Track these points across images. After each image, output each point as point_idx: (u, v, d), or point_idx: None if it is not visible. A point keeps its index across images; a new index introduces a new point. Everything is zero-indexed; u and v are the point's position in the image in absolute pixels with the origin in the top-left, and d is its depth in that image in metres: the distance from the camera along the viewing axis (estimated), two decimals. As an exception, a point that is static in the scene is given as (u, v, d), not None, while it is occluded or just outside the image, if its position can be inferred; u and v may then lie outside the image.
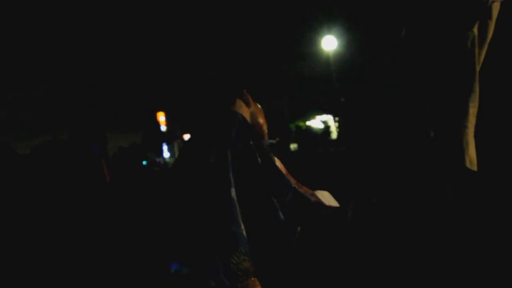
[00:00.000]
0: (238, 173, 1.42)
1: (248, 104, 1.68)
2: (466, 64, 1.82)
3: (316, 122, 29.73)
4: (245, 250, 1.35)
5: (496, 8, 1.85)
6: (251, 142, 1.50)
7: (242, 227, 1.37)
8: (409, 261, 1.61)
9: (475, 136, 1.89)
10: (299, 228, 1.49)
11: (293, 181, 1.63)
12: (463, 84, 1.82)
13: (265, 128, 1.73)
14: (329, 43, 18.28)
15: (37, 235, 2.77)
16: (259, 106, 1.76)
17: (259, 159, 1.49)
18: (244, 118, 1.59)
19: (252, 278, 1.34)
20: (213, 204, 1.38)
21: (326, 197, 1.67)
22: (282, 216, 1.44)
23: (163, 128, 26.16)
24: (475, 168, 1.83)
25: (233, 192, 1.38)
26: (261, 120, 1.73)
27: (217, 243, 1.35)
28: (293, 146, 25.95)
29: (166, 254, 1.53)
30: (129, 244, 2.69)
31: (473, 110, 1.85)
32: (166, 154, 25.83)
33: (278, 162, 1.63)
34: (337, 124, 22.76)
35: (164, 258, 1.52)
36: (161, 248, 1.57)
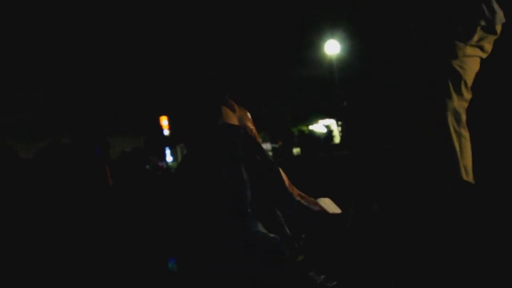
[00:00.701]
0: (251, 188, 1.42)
1: (233, 110, 1.68)
2: (447, 69, 1.86)
3: (319, 127, 29.74)
4: (286, 247, 1.35)
5: (499, 28, 1.89)
6: (258, 157, 1.49)
7: (270, 234, 1.38)
8: (411, 263, 1.60)
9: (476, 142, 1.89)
10: (303, 236, 1.48)
11: (295, 193, 1.63)
12: (443, 89, 1.86)
13: (255, 131, 1.73)
14: (332, 48, 18.33)
15: (42, 236, 2.77)
16: (245, 110, 1.76)
17: (267, 173, 1.48)
18: (246, 132, 1.58)
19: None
20: (234, 223, 1.37)
21: (328, 205, 1.68)
22: (288, 231, 1.44)
23: (166, 132, 26.20)
24: (470, 178, 1.84)
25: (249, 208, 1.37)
26: (250, 123, 1.72)
27: (260, 260, 1.34)
28: (296, 150, 25.95)
29: (167, 254, 1.53)
30: (132, 245, 2.69)
31: (462, 114, 1.86)
32: (169, 158, 25.86)
33: (282, 174, 1.62)
34: (340, 128, 22.75)
35: (164, 258, 1.52)
36: (162, 249, 1.57)
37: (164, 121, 26.11)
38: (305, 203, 1.64)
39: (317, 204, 1.65)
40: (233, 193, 1.38)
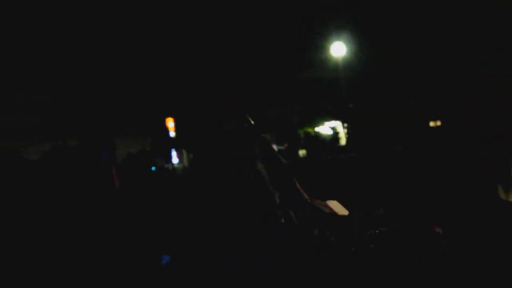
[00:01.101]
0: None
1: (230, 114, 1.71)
2: None
3: (325, 129, 29.71)
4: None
5: None
6: (271, 157, 1.54)
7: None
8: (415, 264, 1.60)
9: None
10: (315, 232, 1.52)
11: (305, 196, 1.67)
12: None
13: None
14: (338, 50, 18.32)
15: (46, 238, 2.78)
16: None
17: (280, 173, 1.53)
18: (260, 134, 1.63)
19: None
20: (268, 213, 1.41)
21: (337, 207, 1.71)
22: (299, 228, 1.48)
23: (172, 134, 26.26)
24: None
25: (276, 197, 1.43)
26: None
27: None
28: (302, 152, 25.94)
29: (165, 252, 1.55)
30: (136, 245, 2.70)
31: None
32: (175, 160, 25.91)
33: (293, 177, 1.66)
34: (346, 130, 22.72)
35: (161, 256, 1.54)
36: (162, 248, 1.57)
37: (170, 123, 26.17)
38: (316, 205, 1.68)
39: (327, 206, 1.70)
40: (256, 190, 1.43)
